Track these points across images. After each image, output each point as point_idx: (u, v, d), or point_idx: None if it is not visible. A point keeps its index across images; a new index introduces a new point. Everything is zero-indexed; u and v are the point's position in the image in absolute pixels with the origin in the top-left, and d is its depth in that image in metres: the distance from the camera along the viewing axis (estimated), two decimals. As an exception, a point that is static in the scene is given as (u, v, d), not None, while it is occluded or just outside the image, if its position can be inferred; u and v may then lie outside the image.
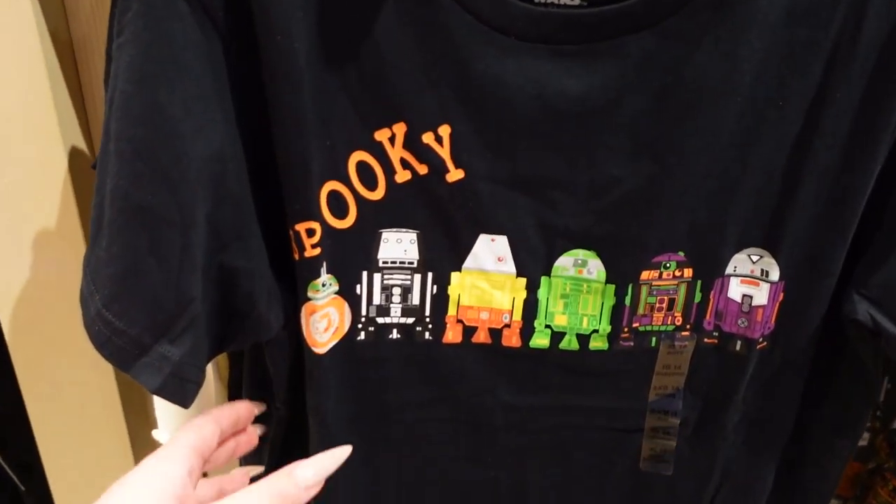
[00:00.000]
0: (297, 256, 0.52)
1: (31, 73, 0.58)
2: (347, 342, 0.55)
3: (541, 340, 0.56)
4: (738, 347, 0.57)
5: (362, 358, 0.56)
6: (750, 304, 0.55)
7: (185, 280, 0.47)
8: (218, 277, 0.48)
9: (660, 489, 0.62)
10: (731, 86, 0.47)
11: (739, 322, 0.56)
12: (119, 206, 0.44)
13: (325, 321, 0.54)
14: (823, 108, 0.48)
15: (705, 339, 0.57)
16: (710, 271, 0.54)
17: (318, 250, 0.51)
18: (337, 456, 0.44)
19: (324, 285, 0.53)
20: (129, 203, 0.44)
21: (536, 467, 0.62)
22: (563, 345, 0.56)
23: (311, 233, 0.51)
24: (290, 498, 0.41)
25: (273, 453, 0.59)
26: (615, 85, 0.46)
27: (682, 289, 0.55)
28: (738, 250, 0.53)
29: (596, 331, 0.56)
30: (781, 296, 0.55)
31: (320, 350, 0.54)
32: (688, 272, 0.54)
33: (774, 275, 0.54)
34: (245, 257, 0.49)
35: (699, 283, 0.54)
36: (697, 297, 0.55)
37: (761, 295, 0.55)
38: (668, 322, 0.56)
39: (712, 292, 0.55)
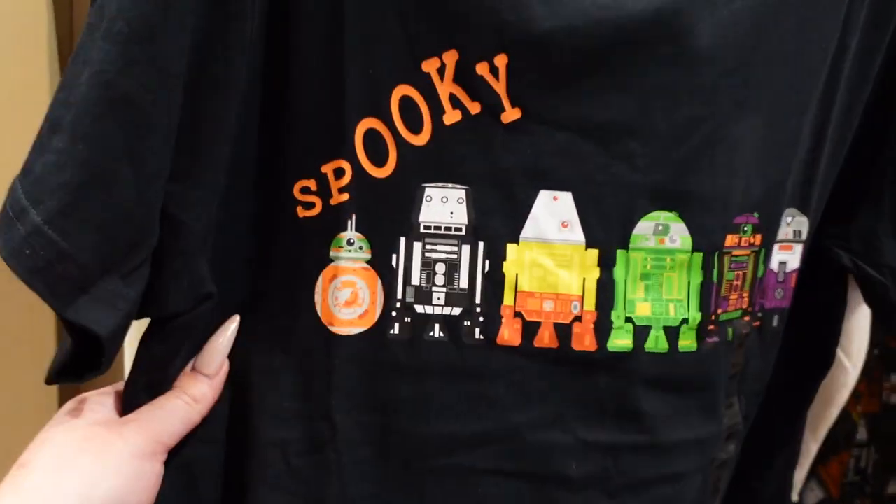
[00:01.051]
0: (314, 210, 0.43)
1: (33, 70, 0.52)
2: (377, 335, 0.43)
3: (622, 340, 0.45)
4: (775, 323, 0.52)
5: (395, 364, 0.43)
6: (785, 272, 0.51)
7: (155, 202, 0.38)
8: None
9: None
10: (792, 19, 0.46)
11: (776, 294, 0.51)
12: (98, 95, 0.36)
13: (347, 292, 0.42)
14: (842, 54, 0.48)
15: (753, 324, 0.50)
16: (772, 237, 0.49)
17: (345, 196, 0.42)
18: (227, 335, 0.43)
19: (350, 243, 0.42)
20: (112, 93, 0.36)
21: None
22: (650, 345, 0.45)
23: (339, 173, 0.42)
24: (183, 414, 0.42)
25: None
26: (691, 6, 0.43)
27: (751, 261, 0.48)
28: (784, 212, 0.49)
29: (685, 321, 0.45)
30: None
31: (339, 330, 0.41)
32: (758, 239, 0.48)
33: (804, 233, 0.51)
34: (180, 206, 0.39)
35: (763, 252, 0.49)
36: (761, 271, 0.49)
37: (794, 258, 0.51)
38: (739, 306, 0.49)
39: (768, 265, 0.49)
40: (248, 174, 0.43)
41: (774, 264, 0.50)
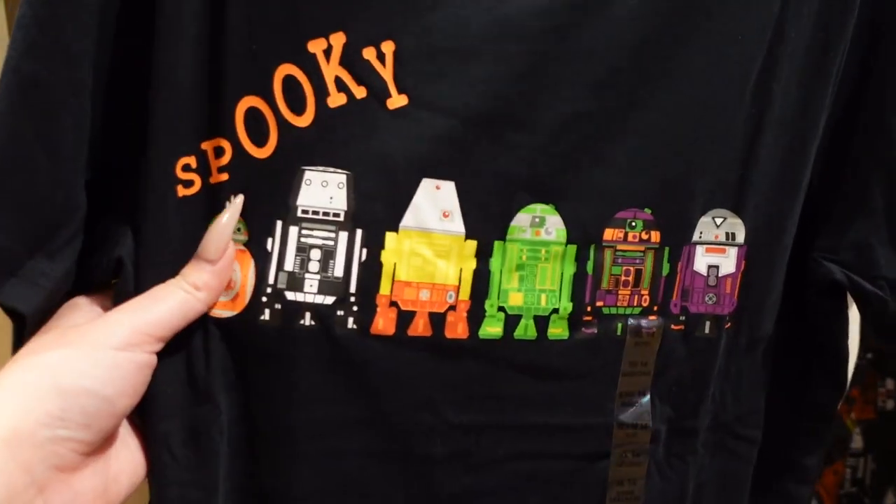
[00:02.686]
0: (192, 189, 0.42)
1: None
2: (247, 320, 0.43)
3: (493, 328, 0.45)
4: (706, 330, 0.50)
5: (264, 350, 0.43)
6: (717, 276, 0.50)
7: (75, 180, 0.40)
8: None
9: None
10: (702, 14, 0.44)
11: (707, 298, 0.50)
12: (8, 81, 0.37)
13: (224, 278, 0.41)
14: (780, 45, 0.47)
15: (672, 326, 0.49)
16: (679, 236, 0.48)
17: (224, 175, 0.41)
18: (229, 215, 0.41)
19: None
20: (20, 77, 0.37)
21: None
22: (519, 332, 0.46)
23: (219, 152, 0.41)
24: (182, 303, 0.41)
25: None
26: (583, 2, 0.43)
27: (650, 258, 0.48)
28: (704, 212, 0.49)
29: (556, 311, 0.46)
30: (743, 264, 0.50)
31: (214, 312, 0.43)
32: (655, 236, 0.48)
33: (740, 237, 0.50)
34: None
35: (667, 250, 0.48)
36: (665, 270, 0.48)
37: (728, 262, 0.50)
38: (636, 303, 0.48)
39: (680, 264, 0.49)
40: (129, 151, 0.42)
41: (701, 267, 0.49)
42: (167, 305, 0.40)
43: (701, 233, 0.49)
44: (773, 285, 0.51)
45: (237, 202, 0.42)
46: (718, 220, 0.49)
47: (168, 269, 0.42)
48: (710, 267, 0.49)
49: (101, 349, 0.36)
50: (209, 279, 0.41)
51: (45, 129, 0.38)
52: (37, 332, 0.40)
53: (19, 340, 0.40)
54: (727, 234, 0.49)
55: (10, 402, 0.34)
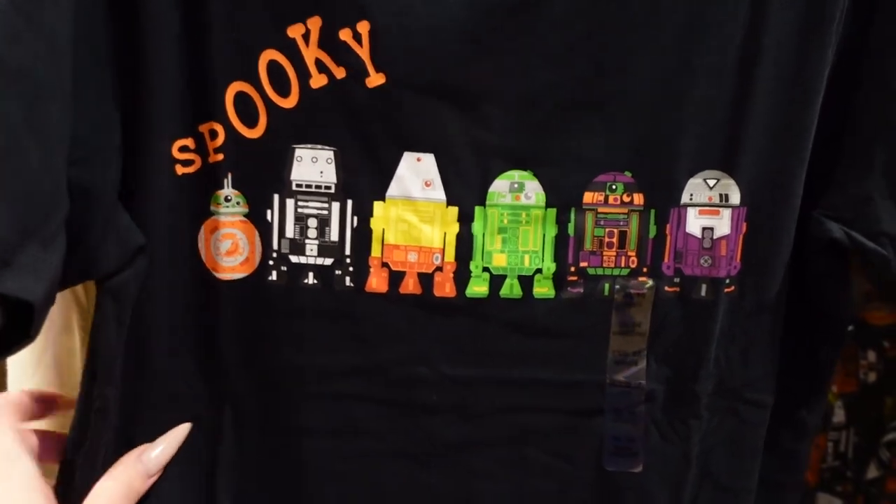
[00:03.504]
0: (192, 167, 0.47)
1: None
2: (257, 280, 0.48)
3: (479, 287, 0.48)
4: (703, 292, 0.49)
5: (274, 305, 0.49)
6: (712, 238, 0.49)
7: (63, 167, 0.41)
8: None
9: (629, 498, 0.51)
10: None
11: (702, 261, 0.49)
12: None
13: (229, 242, 0.48)
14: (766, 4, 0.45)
15: (666, 288, 0.50)
16: (664, 198, 0.48)
17: (220, 156, 0.46)
18: (178, 436, 0.47)
19: (227, 199, 0.47)
20: (6, 66, 0.37)
21: (482, 472, 0.51)
22: (505, 291, 0.49)
23: (213, 134, 0.46)
24: (136, 489, 0.46)
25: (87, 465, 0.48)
26: None
27: (634, 220, 0.49)
28: (692, 174, 0.48)
29: (539, 270, 0.49)
30: (745, 226, 0.49)
31: (223, 276, 0.47)
32: (638, 198, 0.48)
33: (735, 198, 0.48)
34: (87, 168, 0.43)
35: (653, 212, 0.48)
36: (652, 232, 0.49)
37: (723, 224, 0.49)
38: (622, 264, 0.49)
39: (669, 226, 0.49)
40: (124, 134, 0.46)
41: (695, 229, 0.49)
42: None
43: (692, 195, 0.49)
44: (780, 248, 0.49)
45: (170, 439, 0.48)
46: (711, 182, 0.49)
47: (170, 246, 0.47)
48: (704, 229, 0.49)
49: None
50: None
51: (33, 116, 0.38)
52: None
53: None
54: (721, 195, 0.49)
55: None
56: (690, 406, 0.50)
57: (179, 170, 0.47)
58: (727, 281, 0.49)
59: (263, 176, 0.47)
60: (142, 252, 0.47)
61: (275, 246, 0.48)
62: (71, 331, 0.60)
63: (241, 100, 0.46)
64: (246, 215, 0.48)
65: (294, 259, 0.48)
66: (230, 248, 0.48)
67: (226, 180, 0.47)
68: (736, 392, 0.52)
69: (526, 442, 0.50)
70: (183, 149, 0.47)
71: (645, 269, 0.49)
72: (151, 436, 0.49)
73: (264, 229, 0.48)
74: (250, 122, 0.46)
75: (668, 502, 0.51)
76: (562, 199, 0.47)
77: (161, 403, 0.49)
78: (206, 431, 0.50)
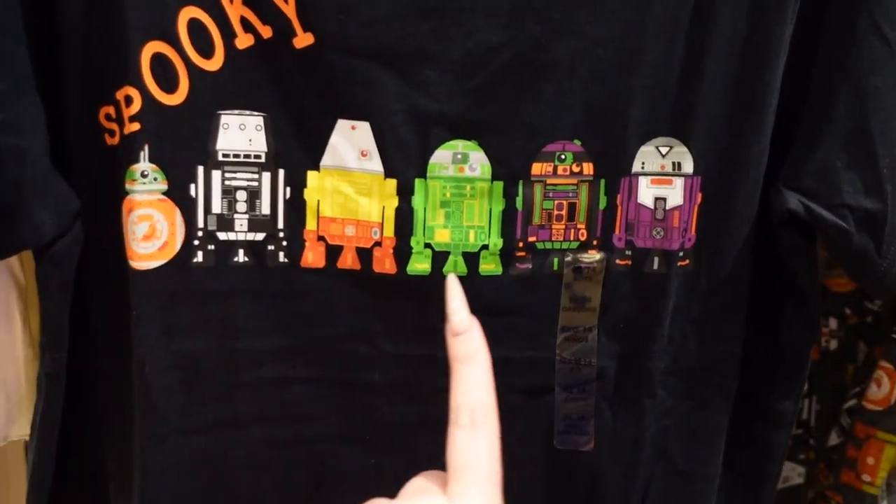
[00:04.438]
0: (115, 138, 0.43)
1: None
2: (179, 265, 0.45)
3: (420, 265, 0.46)
4: (655, 265, 0.47)
5: (200, 289, 0.45)
6: (664, 209, 0.47)
7: None
8: None
9: (580, 477, 0.49)
10: None
11: (654, 232, 0.47)
12: None
13: (145, 225, 0.44)
14: None
15: (617, 261, 0.47)
16: (615, 167, 0.46)
17: (136, 125, 0.42)
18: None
19: (144, 175, 0.43)
20: None
21: (428, 453, 0.48)
22: (448, 268, 0.46)
23: (129, 101, 0.42)
24: None
25: (46, 427, 0.47)
26: None
27: (584, 191, 0.46)
28: (643, 141, 0.46)
29: (486, 247, 0.46)
30: (700, 197, 0.47)
31: (138, 265, 0.43)
32: (588, 168, 0.45)
33: (688, 166, 0.46)
34: (14, 132, 0.40)
35: (603, 182, 0.45)
36: (602, 203, 0.46)
37: (676, 194, 0.46)
38: (572, 237, 0.46)
39: (619, 196, 0.46)
40: (53, 100, 0.43)
41: (647, 199, 0.47)
42: None
43: (643, 163, 0.46)
44: (738, 221, 0.47)
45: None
46: (663, 150, 0.46)
47: (103, 219, 0.45)
48: (656, 199, 0.47)
49: None
50: None
51: None
52: None
53: None
54: (673, 164, 0.46)
55: None
56: (644, 384, 0.48)
57: (108, 140, 0.44)
58: (681, 254, 0.47)
59: (185, 146, 0.44)
60: (79, 218, 0.44)
61: (200, 224, 0.45)
62: (12, 317, 0.57)
63: (159, 62, 0.42)
64: (165, 193, 0.44)
65: (222, 236, 0.45)
66: (147, 233, 0.44)
67: (142, 153, 0.43)
68: (695, 372, 0.50)
69: None
70: (108, 117, 0.43)
71: (595, 242, 0.47)
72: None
73: (187, 206, 0.45)
74: (169, 86, 0.43)
75: (620, 482, 0.49)
76: (509, 170, 0.44)
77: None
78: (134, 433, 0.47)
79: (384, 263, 0.46)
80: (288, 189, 0.45)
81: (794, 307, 0.49)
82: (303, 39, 0.42)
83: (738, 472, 0.52)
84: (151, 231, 0.44)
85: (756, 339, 0.50)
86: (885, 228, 0.45)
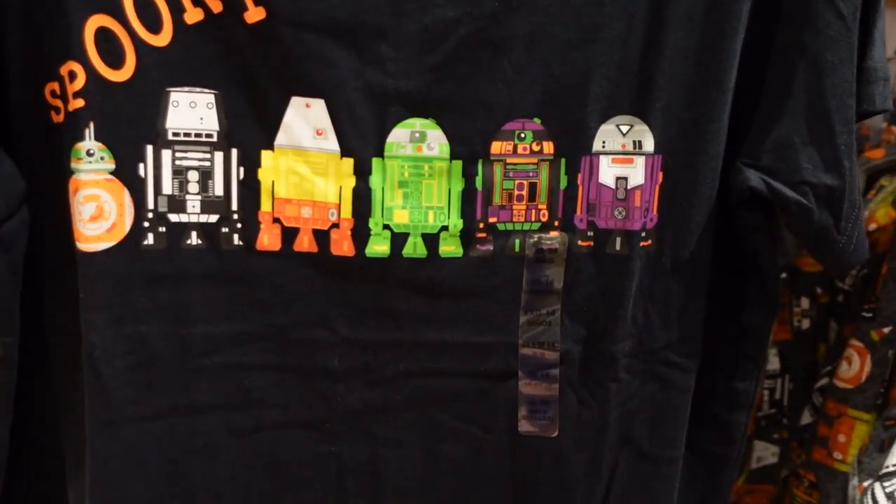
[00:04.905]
0: (60, 116, 0.42)
1: None
2: (129, 247, 0.43)
3: (379, 247, 0.44)
4: (618, 246, 0.46)
5: (152, 273, 0.44)
6: (626, 188, 0.46)
7: None
8: None
9: (545, 463, 0.48)
10: None
11: (616, 213, 0.46)
12: None
13: (92, 206, 0.42)
14: None
15: (579, 242, 0.46)
16: (575, 145, 0.45)
17: (80, 102, 0.41)
18: None
19: (89, 154, 0.41)
20: None
21: (390, 440, 0.48)
22: (408, 251, 0.45)
23: (72, 76, 0.40)
24: None
25: None
26: None
27: (544, 170, 0.45)
28: (604, 119, 0.45)
29: (445, 228, 0.45)
30: (661, 176, 0.46)
31: (86, 247, 0.42)
32: (548, 147, 0.44)
33: (649, 145, 0.45)
34: None
35: (563, 161, 0.45)
36: (563, 182, 0.45)
37: (637, 173, 0.46)
38: (533, 218, 0.46)
39: (580, 176, 0.45)
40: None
41: (608, 179, 0.46)
42: None
43: (604, 142, 0.45)
44: (699, 200, 0.46)
45: None
46: (624, 128, 0.45)
47: (50, 200, 0.43)
48: (617, 179, 0.46)
49: None
50: None
51: None
52: None
53: None
54: (634, 142, 0.45)
55: None
56: (608, 368, 0.48)
57: (54, 118, 0.42)
58: (643, 234, 0.46)
59: (133, 124, 0.42)
60: (25, 199, 0.43)
61: (150, 205, 0.43)
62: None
63: (104, 36, 0.41)
64: (112, 172, 0.43)
65: (174, 218, 0.44)
66: (94, 213, 0.43)
67: (87, 131, 0.42)
68: (657, 354, 0.49)
69: (435, 407, 0.48)
70: (53, 93, 0.42)
71: (556, 223, 0.46)
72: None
73: (136, 187, 0.43)
74: (115, 62, 0.41)
75: (586, 468, 0.49)
76: (468, 149, 0.43)
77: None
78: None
79: (342, 246, 0.44)
80: (241, 169, 0.43)
81: (755, 287, 0.49)
82: (254, 14, 0.41)
83: (698, 453, 0.52)
84: (99, 212, 0.42)
85: (717, 319, 0.50)
86: (844, 205, 0.45)
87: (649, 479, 0.50)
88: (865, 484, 0.59)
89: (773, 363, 0.78)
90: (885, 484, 0.55)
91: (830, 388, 0.69)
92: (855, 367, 0.67)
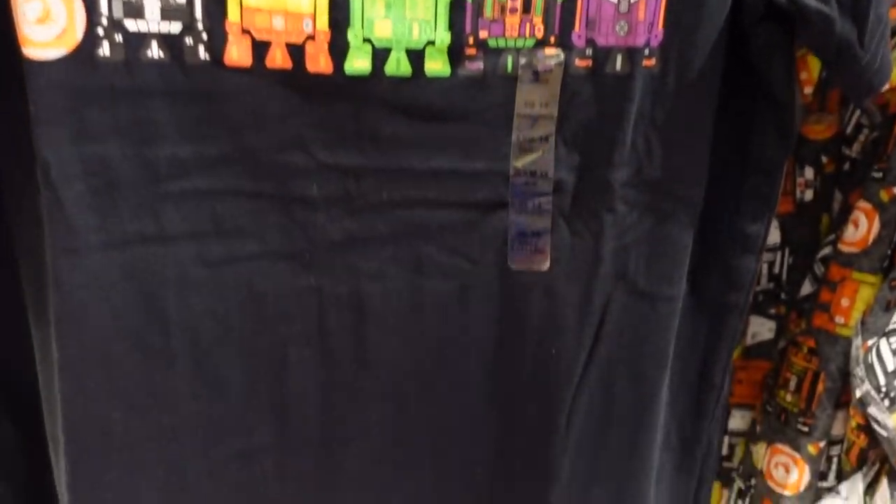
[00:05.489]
0: None
1: None
2: (82, 58, 0.39)
3: (360, 62, 0.40)
4: (618, 65, 0.43)
5: (109, 87, 0.40)
6: (629, 1, 0.41)
7: None
8: None
9: (535, 300, 0.46)
10: None
11: (617, 27, 0.42)
12: None
13: (37, 5, 0.38)
14: None
15: (577, 61, 0.43)
16: None
17: None
18: None
19: None
20: None
21: (373, 273, 0.45)
22: (391, 68, 0.41)
23: None
24: None
25: None
26: None
27: None
28: None
29: (431, 42, 0.41)
30: None
31: (34, 53, 0.37)
32: None
33: None
34: None
35: None
36: None
37: None
38: (527, 33, 0.41)
39: None
40: None
41: None
42: None
43: None
44: (709, 12, 0.42)
45: None
46: None
47: None
48: None
49: None
50: None
51: None
52: None
53: None
54: None
55: None
56: (603, 197, 0.44)
57: None
58: (646, 52, 0.42)
59: None
60: None
61: (103, 9, 0.39)
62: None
63: None
64: None
65: (131, 26, 0.40)
66: (40, 15, 0.39)
67: None
68: (658, 184, 0.46)
69: (420, 238, 0.45)
70: None
71: (553, 39, 0.42)
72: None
73: None
74: None
75: (577, 303, 0.46)
76: None
77: None
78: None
79: (318, 61, 0.41)
80: None
81: (769, 116, 0.45)
82: None
83: (702, 297, 0.49)
84: (46, 14, 0.38)
85: (725, 152, 0.46)
86: (870, 16, 0.41)
87: (644, 318, 0.47)
88: (870, 342, 0.57)
89: (774, 236, 0.75)
90: (892, 340, 0.53)
91: (834, 254, 0.67)
92: (862, 229, 0.64)
